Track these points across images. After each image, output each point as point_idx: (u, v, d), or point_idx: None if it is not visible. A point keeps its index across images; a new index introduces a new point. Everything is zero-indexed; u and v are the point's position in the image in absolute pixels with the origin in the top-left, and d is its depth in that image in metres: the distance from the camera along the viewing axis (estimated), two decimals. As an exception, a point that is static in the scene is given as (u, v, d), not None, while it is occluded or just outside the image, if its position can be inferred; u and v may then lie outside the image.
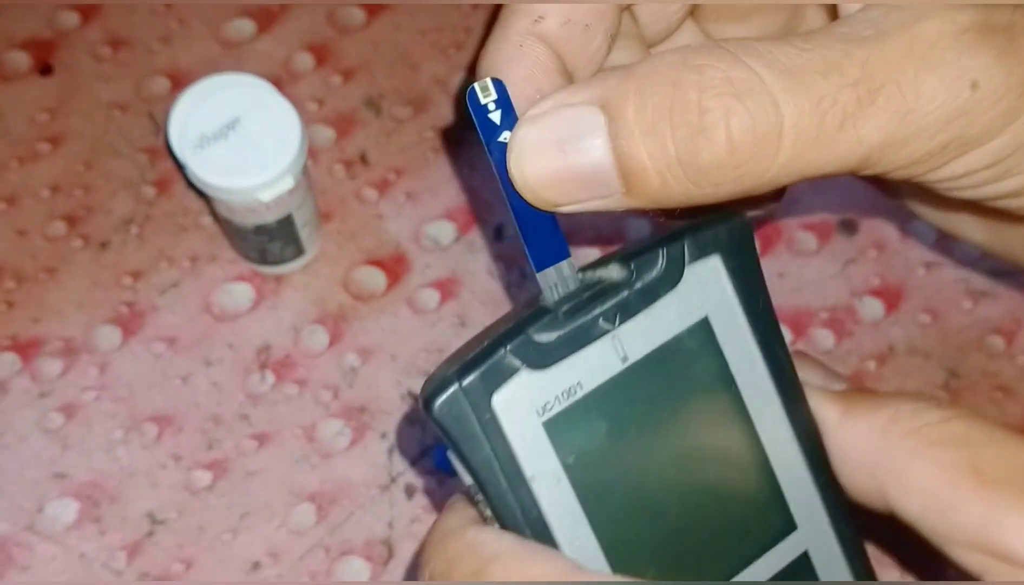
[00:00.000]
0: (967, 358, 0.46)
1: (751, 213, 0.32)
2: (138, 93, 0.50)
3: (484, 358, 0.25)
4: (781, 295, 0.47)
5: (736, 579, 0.28)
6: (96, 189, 0.48)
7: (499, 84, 0.26)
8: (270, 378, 0.45)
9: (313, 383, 0.45)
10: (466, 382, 0.24)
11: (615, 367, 0.26)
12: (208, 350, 0.46)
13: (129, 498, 0.43)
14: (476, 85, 0.25)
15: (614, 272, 0.27)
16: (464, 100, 0.34)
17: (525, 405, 0.25)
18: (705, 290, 0.27)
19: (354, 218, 0.48)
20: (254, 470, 0.44)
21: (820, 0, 0.33)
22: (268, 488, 0.43)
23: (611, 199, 0.26)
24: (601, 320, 0.26)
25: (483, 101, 0.26)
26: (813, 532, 0.29)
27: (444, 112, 0.51)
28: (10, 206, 0.48)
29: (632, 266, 0.26)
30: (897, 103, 0.25)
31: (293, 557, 0.42)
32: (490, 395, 0.25)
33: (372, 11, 0.52)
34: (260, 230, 0.43)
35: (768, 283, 0.29)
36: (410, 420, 0.45)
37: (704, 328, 0.27)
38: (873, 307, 0.47)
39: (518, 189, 0.26)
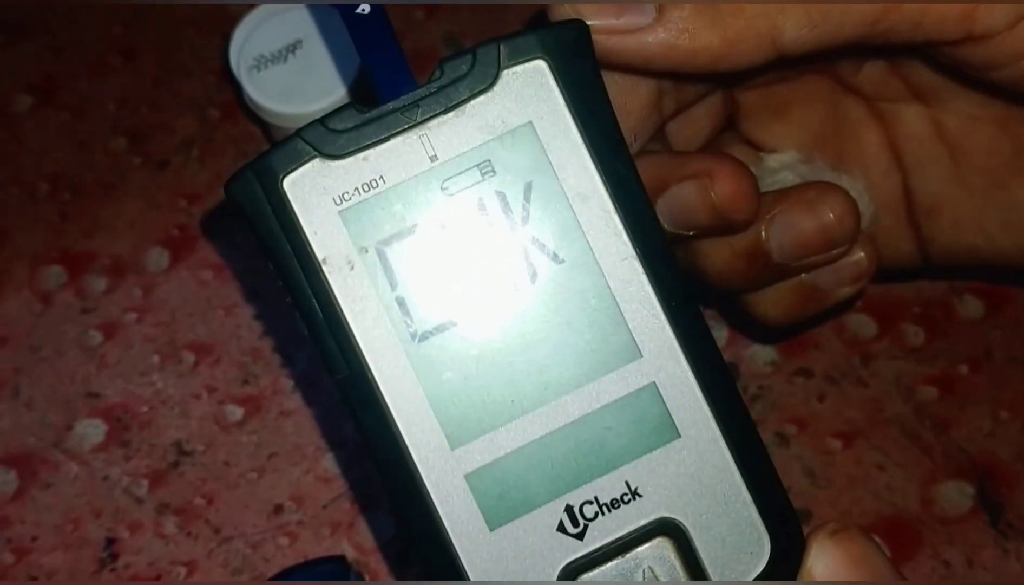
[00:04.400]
0: (1075, 372, 0.41)
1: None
2: (215, 10, 0.48)
3: (279, 145, 0.26)
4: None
5: (567, 398, 0.26)
6: (162, 107, 0.47)
7: None
8: (315, 317, 0.43)
9: (358, 327, 0.43)
10: (257, 163, 0.26)
11: (423, 164, 0.26)
12: (256, 282, 0.44)
13: (159, 425, 0.42)
14: None
15: (433, 75, 0.26)
16: None
17: (318, 191, 0.26)
18: (527, 95, 0.26)
19: (420, 160, 0.46)
20: (288, 410, 0.42)
21: None
22: (300, 431, 0.42)
23: (642, 26, 0.28)
24: (400, 113, 0.26)
25: None
26: (661, 363, 0.26)
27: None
28: (75, 117, 0.47)
29: (442, 67, 0.26)
30: None
31: (317, 504, 0.40)
32: (280, 177, 0.26)
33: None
34: (316, 161, 0.41)
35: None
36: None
37: (527, 134, 0.26)
38: (973, 306, 0.42)
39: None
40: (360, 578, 0.38)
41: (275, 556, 0.40)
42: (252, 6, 0.42)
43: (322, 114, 0.38)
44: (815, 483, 0.40)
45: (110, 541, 0.40)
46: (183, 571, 0.39)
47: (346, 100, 0.38)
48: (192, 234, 0.45)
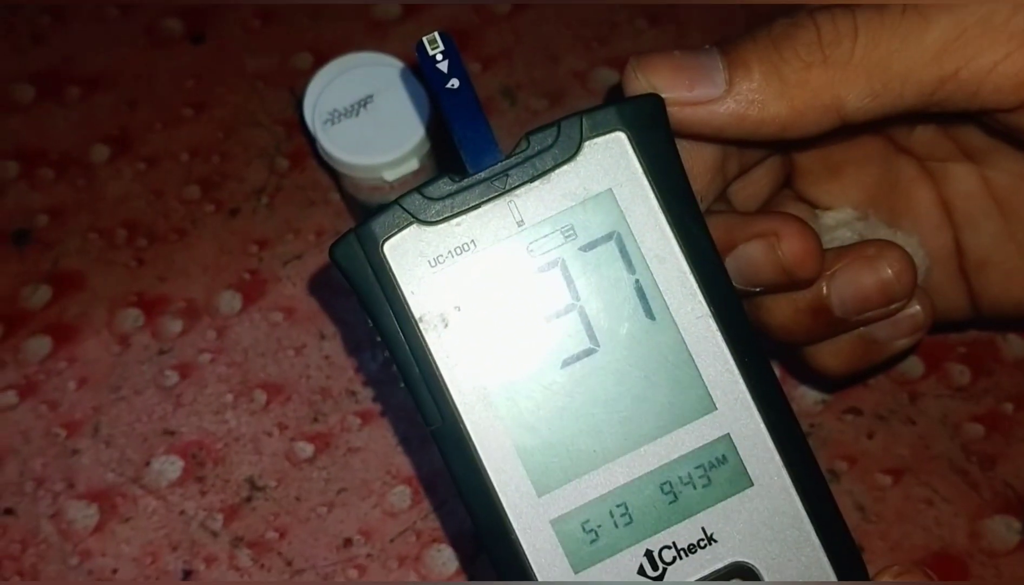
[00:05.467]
0: (1118, 411, 0.43)
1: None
2: (282, 66, 0.51)
3: (380, 212, 0.28)
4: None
5: (647, 448, 0.28)
6: (232, 157, 0.49)
7: (447, 38, 0.28)
8: (381, 357, 0.45)
9: (422, 367, 0.45)
10: (360, 230, 0.28)
11: (510, 229, 0.28)
12: (324, 324, 0.46)
13: (232, 462, 0.44)
14: (425, 39, 0.28)
15: (519, 146, 0.28)
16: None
17: (415, 254, 0.28)
18: (608, 165, 0.28)
19: (479, 206, 0.48)
20: (356, 447, 0.44)
21: None
22: (367, 466, 0.43)
23: (714, 97, 0.29)
24: (490, 182, 0.28)
25: (431, 52, 0.28)
26: (735, 415, 0.28)
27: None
28: (150, 166, 0.49)
29: (529, 139, 0.28)
30: None
31: (384, 538, 0.42)
32: (381, 241, 0.28)
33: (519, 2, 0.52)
34: (383, 209, 0.43)
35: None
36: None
37: (607, 200, 0.28)
38: (1017, 346, 0.44)
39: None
40: (429, 609, 0.40)
41: (346, 588, 0.41)
42: (320, 65, 0.44)
43: (390, 165, 0.41)
44: (866, 518, 0.41)
45: (187, 573, 0.42)
46: (258, 602, 0.41)
47: (415, 152, 0.41)
48: (262, 278, 0.47)
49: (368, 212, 0.44)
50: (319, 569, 0.42)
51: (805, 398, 0.43)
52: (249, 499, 0.43)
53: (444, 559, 0.42)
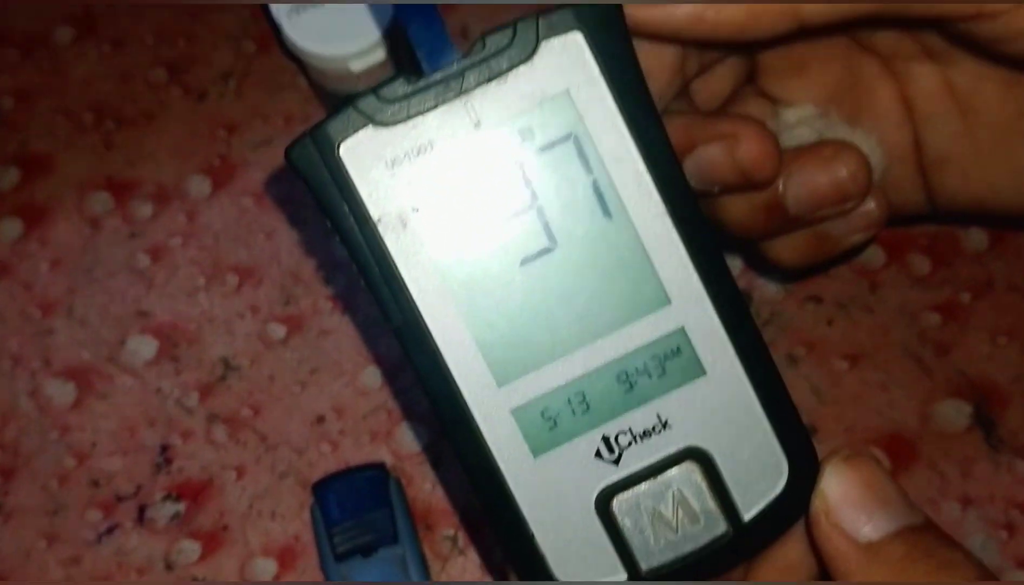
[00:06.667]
0: (1070, 300, 0.44)
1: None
2: (249, -57, 0.50)
3: (335, 113, 0.28)
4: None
5: (603, 341, 0.28)
6: (199, 39, 0.49)
7: None
8: (351, 242, 0.45)
9: (392, 252, 0.45)
10: (315, 132, 0.28)
11: (467, 130, 0.28)
12: (293, 209, 0.46)
13: (206, 342, 0.44)
14: None
15: (475, 47, 0.28)
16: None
17: (372, 156, 0.28)
18: (565, 65, 0.28)
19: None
20: (328, 329, 0.45)
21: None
22: (339, 348, 0.44)
23: None
24: (447, 84, 0.27)
25: None
26: (689, 309, 0.29)
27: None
28: (116, 49, 0.49)
29: (484, 40, 0.28)
30: None
31: (356, 415, 0.43)
32: (337, 143, 0.28)
33: None
34: (352, 96, 0.43)
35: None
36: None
37: (564, 101, 0.28)
38: (977, 238, 0.45)
39: None
40: (399, 484, 0.41)
41: (319, 462, 0.43)
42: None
43: (356, 55, 0.40)
44: (822, 401, 0.43)
45: (164, 448, 0.43)
46: (234, 475, 0.43)
47: (383, 42, 0.40)
48: (232, 163, 0.47)
49: (333, 103, 0.44)
50: (293, 444, 0.43)
51: (767, 286, 0.44)
52: (223, 378, 0.44)
53: (414, 434, 0.43)
